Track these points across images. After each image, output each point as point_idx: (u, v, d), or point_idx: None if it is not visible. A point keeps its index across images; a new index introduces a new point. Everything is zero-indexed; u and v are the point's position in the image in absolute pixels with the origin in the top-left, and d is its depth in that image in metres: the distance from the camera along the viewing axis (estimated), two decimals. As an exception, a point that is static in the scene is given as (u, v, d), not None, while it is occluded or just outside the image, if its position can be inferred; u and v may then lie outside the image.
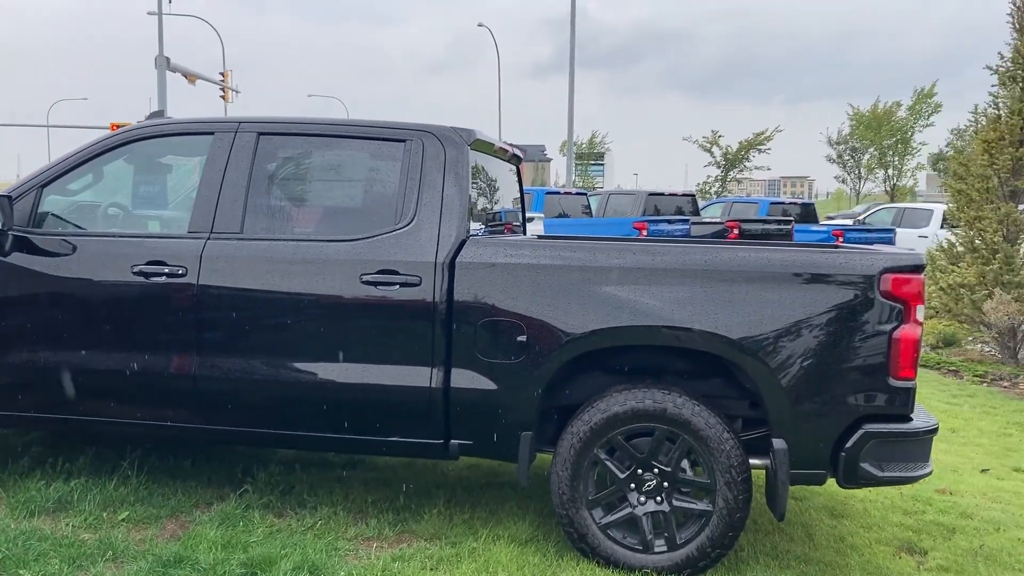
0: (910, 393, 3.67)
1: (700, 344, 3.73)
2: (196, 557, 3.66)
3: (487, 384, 3.87)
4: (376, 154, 4.30)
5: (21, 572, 3.47)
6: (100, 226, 4.59)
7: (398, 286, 3.93)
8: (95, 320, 4.19)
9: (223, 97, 33.05)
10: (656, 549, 3.79)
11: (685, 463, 3.82)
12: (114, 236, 4.31)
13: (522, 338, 3.82)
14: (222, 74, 33.32)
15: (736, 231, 15.11)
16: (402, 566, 3.76)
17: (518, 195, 5.63)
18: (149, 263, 4.10)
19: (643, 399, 3.75)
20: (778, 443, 3.66)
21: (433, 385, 3.92)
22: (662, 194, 18.36)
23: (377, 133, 4.23)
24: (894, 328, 3.62)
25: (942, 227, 19.81)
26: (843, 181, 53.87)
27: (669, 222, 14.75)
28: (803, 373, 3.65)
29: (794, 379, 3.65)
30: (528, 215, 7.58)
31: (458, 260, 3.92)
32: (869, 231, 18.02)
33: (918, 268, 3.67)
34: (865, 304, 3.64)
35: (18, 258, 4.21)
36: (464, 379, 3.90)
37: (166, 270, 4.08)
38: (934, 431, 3.73)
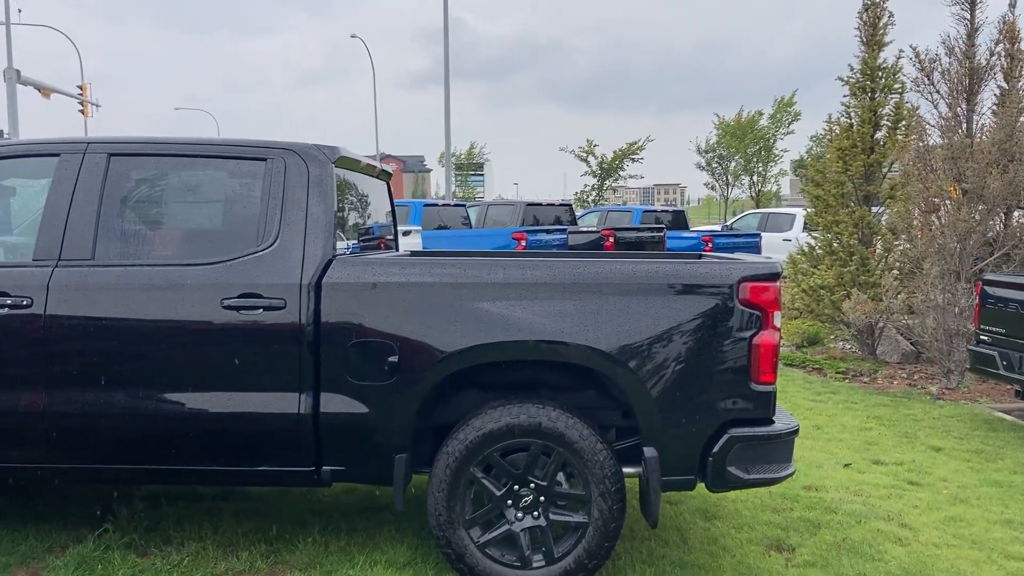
0: (771, 397, 3.80)
1: (573, 357, 3.76)
2: (48, 608, 3.43)
3: (358, 407, 3.79)
4: (236, 173, 4.16)
5: None
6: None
7: (262, 310, 3.80)
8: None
9: (82, 112, 31.49)
10: (535, 564, 3.79)
11: (561, 476, 3.84)
12: (-53, 266, 4.01)
13: (393, 359, 3.75)
14: (80, 87, 31.71)
15: (611, 239, 15.44)
16: (274, 600, 3.63)
17: (389, 210, 5.57)
18: (-11, 294, 3.83)
19: (518, 415, 3.75)
20: (649, 451, 3.73)
21: (301, 411, 3.81)
22: (540, 204, 18.59)
23: (236, 152, 4.09)
24: (754, 334, 3.74)
25: (804, 231, 20.85)
26: (712, 188, 55.89)
27: (547, 232, 14.93)
28: (671, 382, 3.73)
29: (662, 388, 3.72)
30: (404, 228, 7.50)
31: (324, 281, 3.82)
32: (737, 236, 18.74)
33: (774, 276, 3.81)
34: (726, 312, 3.75)
35: None
36: (334, 403, 3.80)
37: (8, 301, 3.82)
38: (795, 432, 3.88)
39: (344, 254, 4.07)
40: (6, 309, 3.82)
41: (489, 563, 3.79)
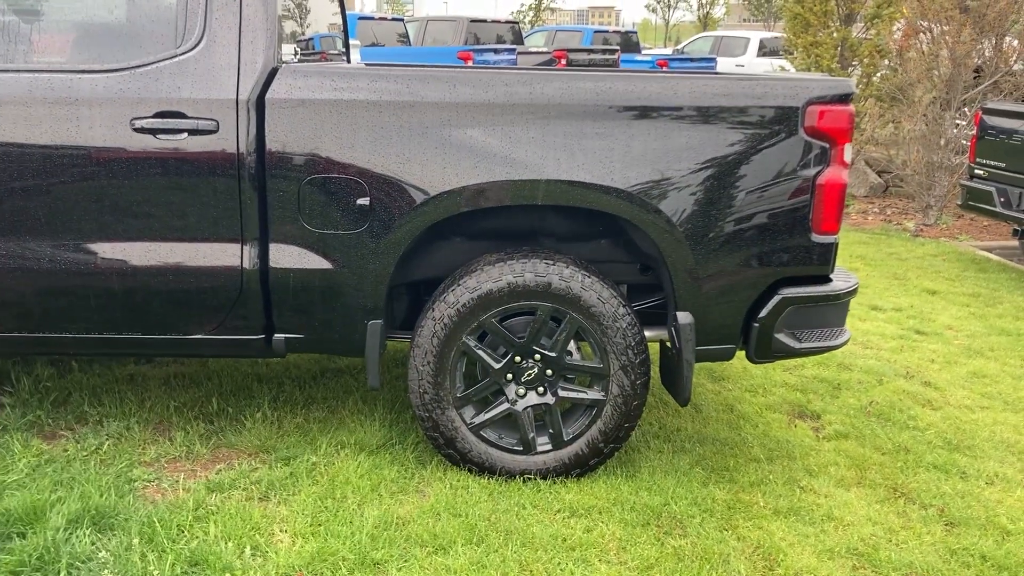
0: (832, 250, 3.10)
1: (593, 201, 2.96)
2: (-79, 520, 2.65)
3: (318, 262, 2.96)
4: (140, -54, 3.08)
5: None
6: None
7: (186, 134, 2.87)
8: None
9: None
10: (539, 448, 3.14)
11: (572, 346, 3.14)
12: None
13: (364, 201, 2.90)
14: None
15: (563, 62, 14.29)
16: (221, 500, 2.91)
17: (339, 18, 4.54)
18: None
19: (522, 272, 2.98)
20: (683, 317, 3.02)
21: (246, 265, 2.97)
22: (484, 21, 17.12)
23: (139, -85, 3.01)
24: (819, 172, 2.98)
25: (759, 55, 19.91)
26: (653, 11, 53.69)
27: (495, 51, 13.69)
28: (714, 231, 2.98)
29: (703, 239, 2.97)
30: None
31: (268, 96, 2.89)
32: (692, 60, 17.71)
33: (848, 97, 3.02)
34: (787, 143, 2.97)
35: None
36: (287, 256, 2.97)
37: None
38: (854, 292, 3.21)
39: (291, 62, 3.12)
40: None
41: (485, 447, 3.12)
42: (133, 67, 2.90)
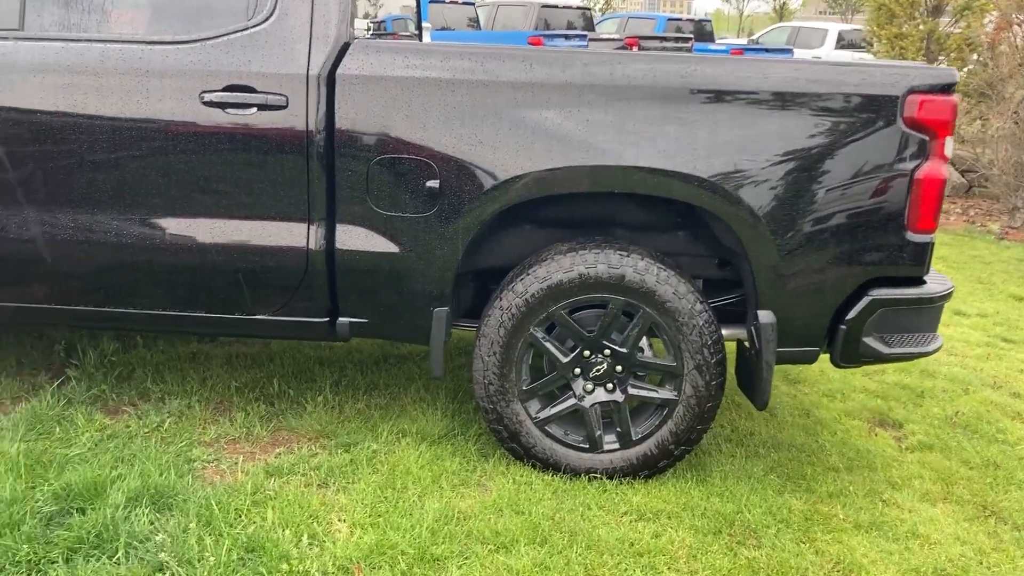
0: (928, 250, 2.90)
1: (675, 191, 2.81)
2: (-14, 490, 2.64)
3: (386, 245, 2.87)
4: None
5: None
6: None
7: (255, 109, 2.80)
8: None
9: None
10: (606, 446, 3.01)
11: (644, 342, 3.00)
12: None
13: (433, 183, 2.80)
14: None
15: (636, 49, 14.05)
16: (279, 485, 2.85)
17: (412, 1, 4.44)
18: None
19: (594, 263, 2.85)
20: (765, 316, 2.86)
21: (312, 246, 2.89)
22: (555, 6, 16.90)
23: None
24: (917, 166, 2.79)
25: (837, 47, 19.33)
26: (728, 1, 52.68)
27: (566, 37, 13.50)
28: (802, 226, 2.81)
29: (790, 233, 2.80)
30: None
31: (340, 72, 2.80)
32: (768, 51, 17.26)
33: (950, 87, 2.81)
34: (885, 134, 2.78)
35: None
36: (354, 238, 2.88)
37: (-93, 84, 2.79)
38: (949, 295, 3.01)
39: (364, 37, 3.03)
40: (-94, 96, 2.80)
41: (550, 443, 3.01)
42: (204, 39, 2.84)
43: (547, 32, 14.14)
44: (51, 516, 2.55)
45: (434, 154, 2.80)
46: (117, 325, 3.27)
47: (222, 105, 2.80)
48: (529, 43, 12.83)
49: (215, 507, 2.63)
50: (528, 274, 2.89)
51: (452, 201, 2.81)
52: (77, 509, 2.61)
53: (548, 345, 2.95)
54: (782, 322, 2.87)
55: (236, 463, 2.99)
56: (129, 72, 2.81)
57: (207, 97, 2.79)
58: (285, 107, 2.79)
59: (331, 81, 2.80)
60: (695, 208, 2.91)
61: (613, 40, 14.78)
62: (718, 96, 2.77)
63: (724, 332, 3.01)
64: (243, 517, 2.63)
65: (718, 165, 2.76)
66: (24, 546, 2.36)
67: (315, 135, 2.80)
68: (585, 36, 14.32)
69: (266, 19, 2.83)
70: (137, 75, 2.81)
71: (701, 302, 2.88)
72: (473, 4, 16.32)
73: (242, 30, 2.83)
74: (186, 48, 2.83)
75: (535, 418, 2.99)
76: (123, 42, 2.86)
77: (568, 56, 2.85)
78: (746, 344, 3.06)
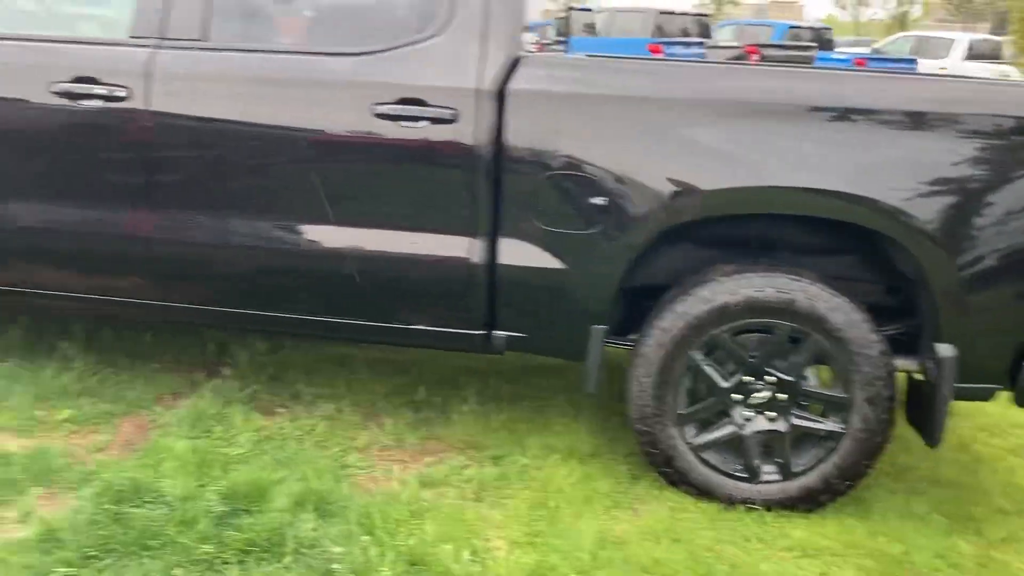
0: None
1: (853, 214, 2.71)
2: (159, 486, 2.73)
3: (549, 261, 2.86)
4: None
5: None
6: (7, 25, 3.36)
7: (426, 122, 2.82)
8: (9, 158, 3.06)
9: None
10: (765, 477, 2.92)
11: (810, 370, 2.89)
12: (26, 40, 3.10)
13: (600, 200, 2.77)
14: None
15: (756, 57, 13.76)
16: (435, 496, 2.86)
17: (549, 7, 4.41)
18: (76, 80, 2.93)
19: (762, 287, 2.76)
20: (946, 349, 2.72)
21: (473, 259, 2.90)
22: (672, 13, 16.71)
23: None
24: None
25: (967, 59, 18.49)
26: (842, 7, 51.14)
27: (686, 45, 13.32)
28: (990, 253, 2.66)
29: (977, 261, 2.66)
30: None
31: (510, 86, 2.80)
32: (892, 61, 16.66)
33: None
34: (1085, 162, 2.61)
35: None
36: (517, 253, 2.87)
37: (100, 91, 2.92)
38: None
39: (533, 52, 3.02)
40: (99, 102, 2.92)
41: (705, 470, 2.93)
42: (377, 51, 2.88)
43: (665, 40, 13.98)
44: (221, 516, 2.61)
45: (602, 171, 2.76)
46: (277, 328, 3.34)
47: (394, 118, 2.83)
48: (648, 50, 12.72)
49: (376, 516, 2.65)
50: (691, 295, 2.83)
51: (618, 219, 2.78)
52: (243, 510, 2.67)
53: (708, 369, 2.88)
54: (962, 356, 2.72)
55: (390, 471, 3.02)
56: (306, 83, 2.88)
57: (379, 109, 2.83)
58: (455, 121, 2.81)
59: (501, 96, 2.80)
60: (868, 232, 2.80)
61: (731, 48, 14.52)
62: (902, 116, 2.65)
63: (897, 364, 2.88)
64: (402, 528, 2.65)
65: (903, 188, 2.64)
66: (203, 545, 2.43)
67: (483, 150, 2.81)
68: (702, 43, 14.12)
69: (439, 32, 2.85)
70: (313, 86, 2.87)
71: (874, 331, 2.75)
72: (591, 10, 16.29)
73: (416, 43, 2.86)
74: (361, 60, 2.88)
75: (691, 443, 2.92)
76: (301, 53, 2.93)
77: (750, 73, 2.78)
78: (918, 377, 2.92)
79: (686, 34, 16.66)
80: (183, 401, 3.40)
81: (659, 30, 16.26)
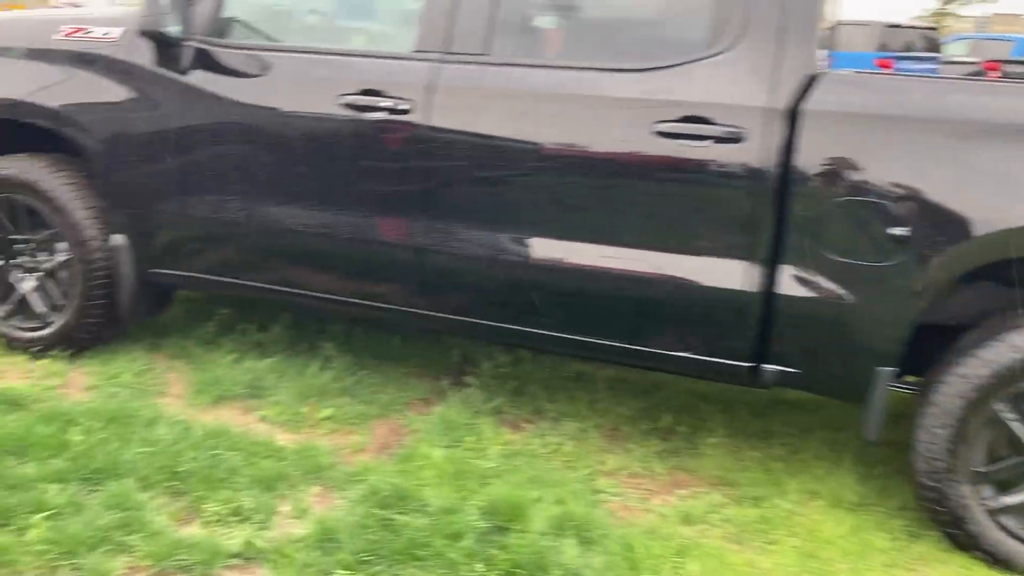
0: None
1: None
2: (421, 495, 2.74)
3: (836, 294, 2.66)
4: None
5: (205, 503, 2.66)
6: (297, 39, 3.53)
7: (711, 141, 2.70)
8: (290, 164, 3.21)
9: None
10: (1075, 550, 2.58)
11: None
12: (318, 53, 3.24)
13: (900, 231, 2.54)
14: None
15: (995, 73, 12.68)
16: (695, 534, 2.73)
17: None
18: (363, 92, 3.03)
19: (1087, 340, 2.44)
20: None
21: (747, 288, 2.74)
22: (899, 26, 15.72)
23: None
24: None
25: None
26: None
27: (918, 60, 12.48)
28: None
29: None
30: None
31: (804, 106, 2.62)
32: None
33: None
34: None
35: (197, 78, 3.24)
36: (799, 283, 2.70)
37: (386, 103, 2.99)
38: None
39: (829, 69, 2.83)
40: (383, 113, 3.00)
41: (1002, 536, 2.63)
42: (660, 67, 2.79)
43: (895, 54, 13.17)
44: (483, 532, 2.59)
45: (905, 199, 2.54)
46: (530, 343, 3.32)
47: (676, 136, 2.72)
48: (876, 65, 12.01)
49: (639, 549, 2.55)
50: (999, 340, 2.54)
51: (921, 252, 2.54)
52: (503, 528, 2.64)
53: (1014, 426, 2.58)
54: None
55: (645, 501, 2.92)
56: (585, 99, 2.83)
57: (660, 128, 2.73)
58: (742, 141, 2.66)
59: (794, 115, 2.63)
60: None
61: (967, 64, 13.48)
62: None
63: None
64: (666, 565, 2.53)
65: None
66: (472, 562, 2.41)
67: (770, 172, 2.65)
68: (935, 59, 13.19)
69: (729, 47, 2.72)
70: (590, 101, 2.82)
71: None
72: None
73: (704, 58, 2.74)
74: (642, 76, 2.79)
75: (987, 505, 2.63)
76: (580, 69, 2.88)
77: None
78: None
79: (911, 49, 15.63)
80: (432, 408, 3.44)
81: (884, 44, 15.35)
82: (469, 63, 2.95)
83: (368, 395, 3.50)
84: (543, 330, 3.07)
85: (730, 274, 2.76)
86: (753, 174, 2.67)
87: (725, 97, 2.69)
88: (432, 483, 2.82)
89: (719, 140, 2.68)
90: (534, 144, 2.89)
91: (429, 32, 3.00)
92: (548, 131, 2.87)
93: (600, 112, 2.81)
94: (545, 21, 3.08)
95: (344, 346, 3.80)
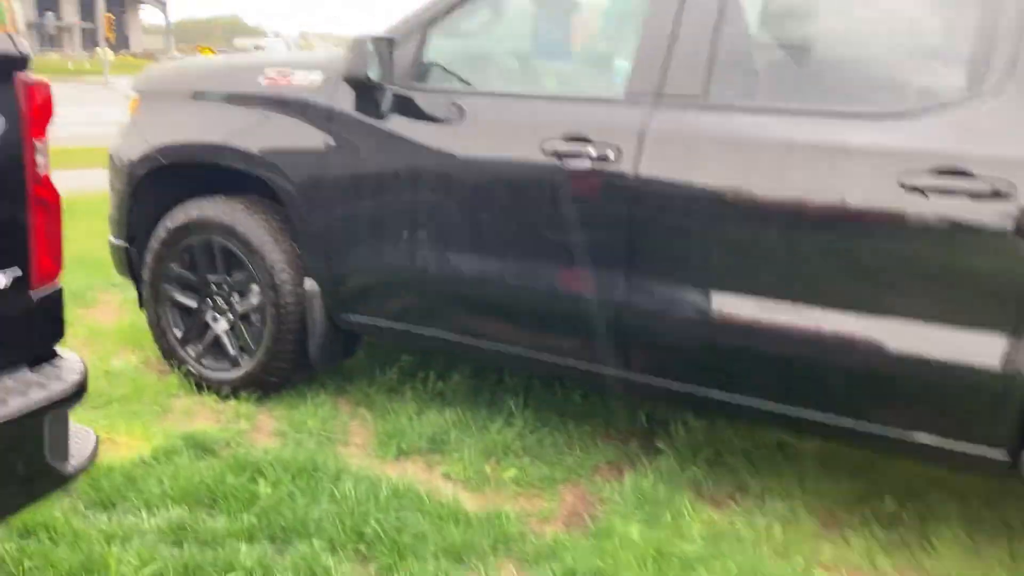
0: None
1: None
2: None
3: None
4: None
5: (392, 573, 2.51)
6: (497, 82, 3.42)
7: (966, 198, 2.35)
8: (486, 212, 3.07)
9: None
10: None
11: None
12: (519, 97, 3.11)
13: None
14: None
15: None
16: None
17: None
18: (567, 138, 2.85)
19: None
20: None
21: (1011, 363, 2.36)
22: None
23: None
24: None
25: None
26: None
27: None
28: None
29: None
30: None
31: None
32: None
33: None
34: None
35: (396, 124, 3.17)
36: (1081, 363, 2.29)
37: (591, 151, 2.81)
38: None
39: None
40: (586, 161, 2.82)
41: None
42: (910, 113, 2.47)
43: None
44: (694, 631, 2.32)
45: None
46: (747, 417, 3.03)
47: (927, 191, 2.39)
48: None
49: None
50: None
51: None
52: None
53: None
54: None
55: (875, 605, 2.56)
56: (816, 148, 2.54)
57: (910, 181, 2.40)
58: (1007, 197, 2.30)
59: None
60: None
61: None
62: None
63: None
64: None
65: None
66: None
67: (1043, 233, 2.27)
68: None
69: (993, 92, 2.37)
70: (823, 153, 2.52)
71: None
72: None
73: (962, 103, 2.41)
74: (887, 124, 2.48)
75: None
76: (808, 114, 2.60)
77: None
78: None
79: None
80: (622, 474, 3.20)
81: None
82: (685, 107, 2.72)
83: (553, 456, 3.30)
84: (756, 401, 2.78)
85: (987, 348, 2.38)
86: (1016, 237, 2.30)
87: (987, 148, 2.34)
88: (632, 567, 2.57)
89: (978, 196, 2.33)
90: (756, 197, 2.62)
91: (640, 74, 2.80)
92: (773, 183, 2.60)
93: (837, 163, 2.51)
94: (771, 60, 2.81)
95: (525, 399, 3.62)
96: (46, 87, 1.94)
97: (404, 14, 3.23)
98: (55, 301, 1.99)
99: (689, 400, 3.00)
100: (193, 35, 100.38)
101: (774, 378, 2.75)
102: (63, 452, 1.89)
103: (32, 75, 1.90)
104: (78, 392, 1.91)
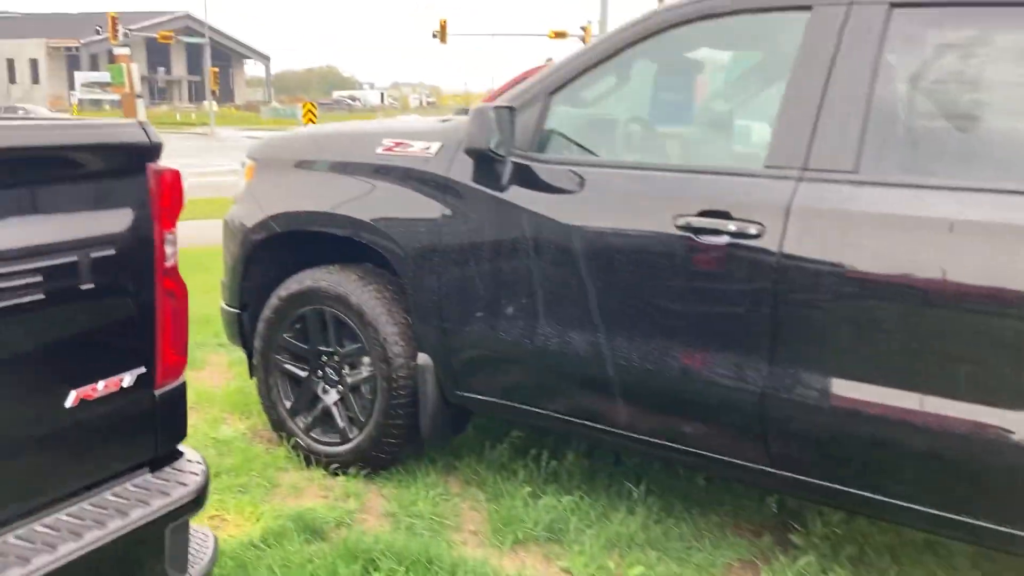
0: None
1: None
2: None
3: None
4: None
5: None
6: (620, 152, 3.27)
7: None
8: (611, 289, 2.90)
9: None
10: None
11: None
12: (650, 169, 2.94)
13: None
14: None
15: None
16: None
17: None
18: (703, 213, 2.67)
19: None
20: None
21: None
22: None
23: None
24: None
25: None
26: None
27: None
28: None
29: None
30: None
31: None
32: None
33: None
34: None
35: (517, 195, 3.03)
36: None
37: (731, 227, 2.61)
38: None
39: None
40: (725, 237, 2.62)
41: None
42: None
43: None
44: None
45: None
46: (890, 517, 2.75)
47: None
48: None
49: None
50: None
51: None
52: None
53: None
54: None
55: None
56: (994, 229, 2.29)
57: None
58: None
59: None
60: None
61: None
62: None
63: None
64: None
65: None
66: None
67: None
68: None
69: None
70: (1004, 234, 2.27)
71: None
72: None
73: None
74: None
75: None
76: (974, 190, 2.35)
77: None
78: None
79: None
80: (757, 573, 2.93)
81: None
82: (835, 182, 2.50)
83: (681, 551, 3.06)
84: (917, 505, 2.50)
85: None
86: None
87: None
88: None
89: None
90: (918, 282, 2.37)
91: (785, 145, 2.60)
92: (936, 268, 2.35)
93: (1014, 246, 2.25)
94: (931, 131, 2.58)
95: (648, 484, 3.39)
96: (176, 176, 1.87)
97: (526, 83, 3.11)
98: (179, 396, 1.90)
99: (838, 498, 2.73)
100: (292, 86, 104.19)
101: (937, 482, 2.47)
102: (183, 562, 1.78)
103: (162, 165, 1.83)
104: (200, 498, 1.80)
